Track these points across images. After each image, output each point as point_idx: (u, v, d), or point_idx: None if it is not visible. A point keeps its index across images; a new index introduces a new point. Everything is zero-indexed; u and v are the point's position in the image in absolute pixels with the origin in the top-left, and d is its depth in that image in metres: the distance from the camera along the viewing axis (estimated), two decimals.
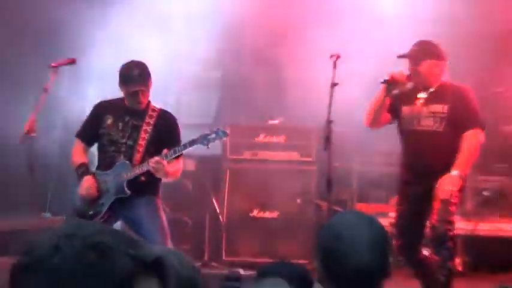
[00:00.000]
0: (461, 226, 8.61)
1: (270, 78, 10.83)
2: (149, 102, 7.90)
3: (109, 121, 7.86)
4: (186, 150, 7.91)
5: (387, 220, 7.30)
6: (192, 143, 8.00)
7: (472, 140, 7.52)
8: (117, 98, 7.96)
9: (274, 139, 10.02)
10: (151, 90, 7.91)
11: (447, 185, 7.43)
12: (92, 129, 7.99)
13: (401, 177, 8.05)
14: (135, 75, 7.81)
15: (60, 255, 2.02)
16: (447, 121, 7.59)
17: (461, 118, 7.59)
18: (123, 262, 2.02)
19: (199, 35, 10.68)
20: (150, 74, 7.89)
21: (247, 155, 10.00)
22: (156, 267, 2.08)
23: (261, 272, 4.13)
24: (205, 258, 9.72)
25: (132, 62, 8.04)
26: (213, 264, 9.66)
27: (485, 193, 10.00)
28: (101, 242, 2.05)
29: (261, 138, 10.02)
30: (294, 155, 9.95)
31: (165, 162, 7.57)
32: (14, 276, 2.09)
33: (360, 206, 9.64)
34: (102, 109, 8.07)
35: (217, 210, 9.95)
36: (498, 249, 9.63)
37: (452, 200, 7.57)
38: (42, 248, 2.06)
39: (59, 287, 2.02)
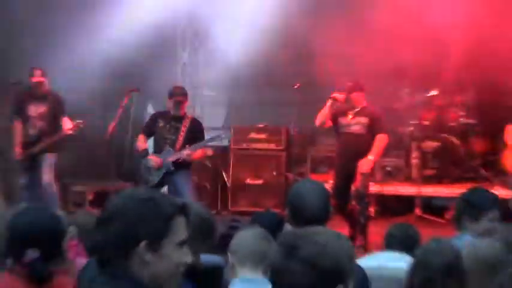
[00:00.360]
0: (374, 188, 8.62)
1: (256, 99, 10.79)
2: (185, 112, 7.95)
3: (161, 124, 7.90)
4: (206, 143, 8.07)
5: (328, 185, 7.33)
6: (210, 140, 8.17)
7: (381, 141, 7.63)
8: (165, 111, 8.02)
9: (260, 136, 9.96)
10: (187, 105, 8.05)
11: (365, 165, 7.51)
12: (150, 129, 8.03)
13: (336, 161, 8.11)
14: (179, 91, 7.91)
15: (128, 207, 2.12)
16: (367, 128, 7.67)
17: (375, 126, 7.67)
18: (167, 207, 2.13)
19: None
20: (187, 94, 7.99)
21: (244, 145, 9.95)
22: (183, 209, 2.17)
23: (252, 220, 4.13)
24: (218, 208, 9.68)
25: (176, 85, 8.24)
26: (223, 212, 9.63)
27: (388, 168, 10.04)
28: (152, 196, 2.15)
29: (252, 135, 9.96)
30: (272, 146, 9.90)
31: (191, 153, 7.69)
32: (98, 224, 2.18)
33: (312, 176, 9.61)
34: (156, 116, 8.16)
35: (226, 179, 9.93)
36: (396, 202, 9.71)
37: (369, 173, 7.70)
38: (117, 204, 2.16)
39: (130, 226, 2.09)
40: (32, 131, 8.05)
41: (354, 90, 7.76)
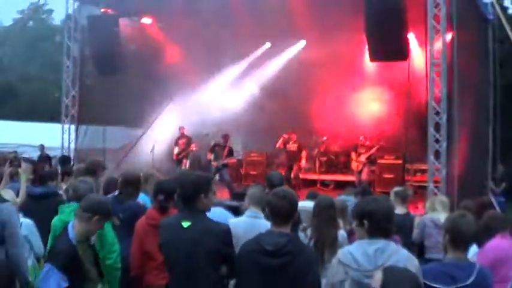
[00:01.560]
0: (301, 175, 8.38)
1: (252, 140, 9.76)
2: (227, 143, 7.75)
3: (216, 148, 7.71)
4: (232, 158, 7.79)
5: (283, 173, 6.74)
6: (235, 156, 7.98)
7: (304, 154, 7.82)
8: (219, 142, 7.77)
9: (254, 155, 9.60)
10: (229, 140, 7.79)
11: (298, 164, 7.68)
12: (212, 149, 7.78)
13: (285, 162, 8.12)
14: (225, 135, 7.70)
15: (198, 180, 2.07)
16: (297, 148, 7.78)
17: (301, 148, 7.78)
18: (211, 180, 2.16)
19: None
20: (228, 137, 7.71)
21: (248, 159, 9.59)
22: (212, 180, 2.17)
23: (255, 185, 3.68)
24: (239, 183, 9.18)
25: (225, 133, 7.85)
26: (240, 185, 9.10)
27: (306, 167, 9.33)
28: (207, 176, 2.13)
29: (251, 155, 9.61)
30: (259, 158, 9.55)
31: (228, 161, 7.56)
32: (183, 186, 2.13)
33: (277, 169, 8.97)
34: (215, 144, 7.88)
35: (241, 172, 9.60)
36: (309, 181, 9.07)
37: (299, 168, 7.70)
38: (193, 178, 2.13)
39: (198, 187, 2.04)
40: (178, 149, 8.53)
41: (292, 134, 7.87)
